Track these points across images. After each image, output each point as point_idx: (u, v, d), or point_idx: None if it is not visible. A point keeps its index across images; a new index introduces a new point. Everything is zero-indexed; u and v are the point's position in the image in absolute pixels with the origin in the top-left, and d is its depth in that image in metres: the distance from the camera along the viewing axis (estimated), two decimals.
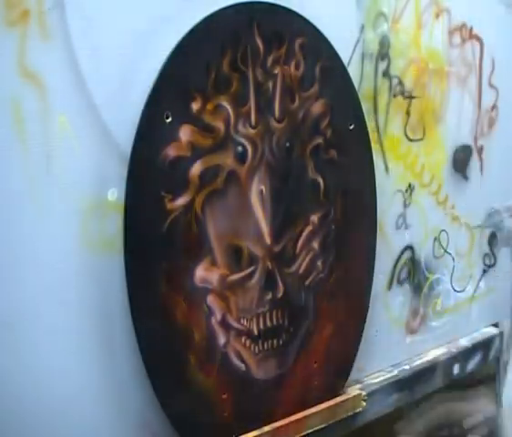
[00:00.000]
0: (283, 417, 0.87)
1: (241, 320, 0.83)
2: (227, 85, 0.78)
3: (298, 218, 0.87)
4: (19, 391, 0.67)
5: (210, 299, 0.80)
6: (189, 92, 0.75)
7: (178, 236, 0.75)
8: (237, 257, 0.82)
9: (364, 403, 0.98)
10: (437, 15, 1.07)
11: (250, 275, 0.83)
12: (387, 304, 1.06)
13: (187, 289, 0.77)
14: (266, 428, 0.86)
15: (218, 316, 0.81)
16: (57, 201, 0.68)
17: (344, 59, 0.91)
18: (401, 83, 1.02)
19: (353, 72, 0.93)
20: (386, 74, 1.00)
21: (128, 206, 0.72)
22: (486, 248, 1.25)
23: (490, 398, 1.27)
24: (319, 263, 0.90)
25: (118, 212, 0.72)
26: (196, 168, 0.76)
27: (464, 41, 1.12)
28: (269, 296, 0.85)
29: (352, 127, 0.93)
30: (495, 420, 1.25)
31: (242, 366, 0.84)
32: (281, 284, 0.86)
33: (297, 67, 0.84)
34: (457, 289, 1.20)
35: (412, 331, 1.12)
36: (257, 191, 0.82)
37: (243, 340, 0.83)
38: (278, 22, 0.82)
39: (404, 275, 1.09)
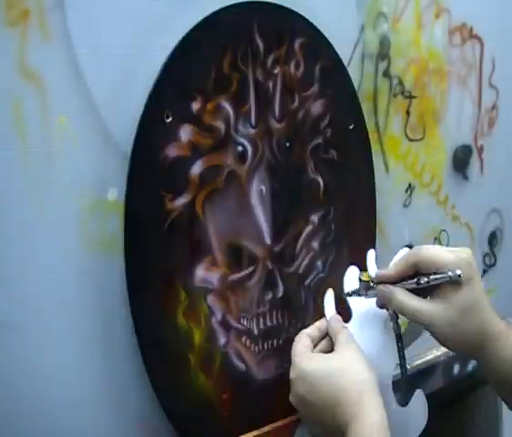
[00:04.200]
0: (284, 417, 0.87)
1: (242, 320, 0.83)
2: (227, 84, 0.78)
3: (298, 218, 0.87)
4: (18, 390, 0.67)
5: (211, 299, 0.79)
6: (189, 92, 0.75)
7: (178, 236, 0.75)
8: (237, 257, 0.81)
9: None
10: (437, 15, 1.06)
11: (251, 275, 0.83)
12: None
13: (187, 288, 0.77)
14: (266, 428, 0.86)
15: (218, 316, 0.80)
16: (57, 201, 0.67)
17: (344, 59, 0.91)
18: (401, 83, 1.02)
19: (353, 72, 0.93)
20: (386, 74, 1.00)
21: (128, 205, 0.72)
22: (486, 249, 1.25)
23: None
24: (319, 263, 0.90)
25: (118, 212, 0.71)
26: (196, 168, 0.76)
27: (464, 41, 1.12)
28: (269, 296, 0.85)
29: (352, 127, 0.93)
30: None
31: (242, 366, 0.84)
32: (281, 284, 0.86)
33: (297, 67, 0.84)
34: None
35: None
36: (257, 191, 0.82)
37: (243, 339, 0.83)
38: (278, 22, 0.82)
39: None
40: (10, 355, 0.66)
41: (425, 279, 0.73)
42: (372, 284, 0.79)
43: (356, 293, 0.82)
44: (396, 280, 0.76)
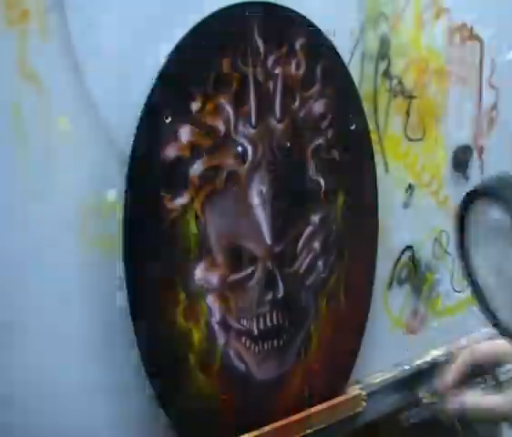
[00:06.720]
0: (283, 417, 0.87)
1: (242, 321, 0.83)
2: (227, 85, 0.77)
3: (298, 219, 0.87)
4: (20, 390, 0.67)
5: (210, 300, 0.80)
6: (188, 92, 0.75)
7: (178, 236, 0.75)
8: (237, 257, 0.81)
9: (364, 403, 0.98)
10: (437, 15, 1.06)
11: (251, 275, 0.83)
12: (387, 304, 1.06)
13: (187, 289, 0.77)
14: (266, 428, 0.86)
15: (218, 316, 0.80)
16: (57, 201, 0.67)
17: (344, 59, 0.91)
18: (401, 83, 1.02)
19: (354, 72, 0.93)
20: (386, 74, 1.00)
21: (127, 206, 0.71)
22: None
23: None
24: (319, 263, 0.90)
25: (118, 212, 0.72)
26: (196, 168, 0.76)
27: (464, 41, 1.12)
28: (269, 296, 0.85)
29: (353, 128, 0.93)
30: None
31: (242, 366, 0.84)
32: (281, 284, 0.85)
33: (298, 67, 0.84)
34: (457, 289, 1.19)
35: (412, 331, 1.12)
36: (257, 191, 0.82)
37: (243, 340, 0.83)
38: (279, 21, 0.82)
39: (404, 275, 1.09)
40: (12, 355, 0.66)
41: (494, 381, 0.69)
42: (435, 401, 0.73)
43: (418, 417, 0.78)
44: (458, 386, 0.71)
